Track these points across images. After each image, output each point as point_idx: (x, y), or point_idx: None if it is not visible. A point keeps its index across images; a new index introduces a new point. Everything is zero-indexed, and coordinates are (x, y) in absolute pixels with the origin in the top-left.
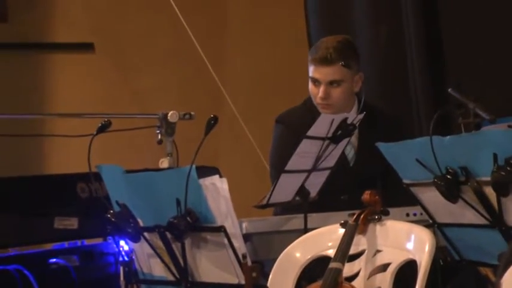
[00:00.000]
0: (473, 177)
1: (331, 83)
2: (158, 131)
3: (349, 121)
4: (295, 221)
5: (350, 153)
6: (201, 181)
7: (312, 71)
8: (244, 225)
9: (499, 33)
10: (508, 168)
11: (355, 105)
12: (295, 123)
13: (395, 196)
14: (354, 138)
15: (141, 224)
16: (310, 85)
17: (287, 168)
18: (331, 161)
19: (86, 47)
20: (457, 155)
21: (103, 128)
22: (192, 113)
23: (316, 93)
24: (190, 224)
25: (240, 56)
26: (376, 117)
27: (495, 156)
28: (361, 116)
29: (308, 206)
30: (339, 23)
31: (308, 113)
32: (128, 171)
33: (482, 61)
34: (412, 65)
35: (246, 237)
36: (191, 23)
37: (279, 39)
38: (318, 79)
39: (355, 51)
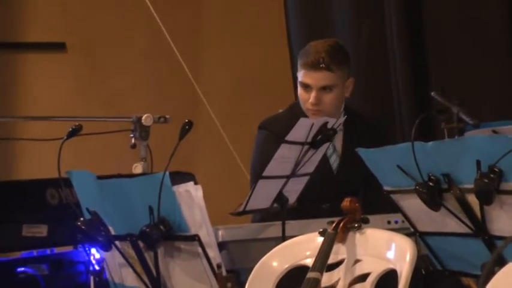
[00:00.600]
0: (455, 184)
1: (323, 88)
2: (132, 135)
3: (329, 125)
4: (273, 229)
5: (335, 162)
6: (175, 188)
7: (302, 75)
8: (220, 232)
9: (484, 34)
10: (492, 176)
11: (343, 103)
12: (280, 130)
13: (378, 203)
14: (338, 146)
15: (113, 232)
16: (300, 90)
17: (265, 173)
18: (310, 167)
19: (57, 46)
20: (439, 161)
21: (73, 133)
22: (167, 116)
23: (307, 98)
24: (163, 233)
25: (217, 57)
26: (362, 124)
27: (478, 163)
28: (341, 120)
29: (287, 213)
30: (318, 22)
31: (294, 119)
32: (100, 177)
33: (467, 63)
34: (394, 67)
35: (222, 245)
36: (167, 22)
37: (258, 40)
38: (310, 84)
39: (346, 55)
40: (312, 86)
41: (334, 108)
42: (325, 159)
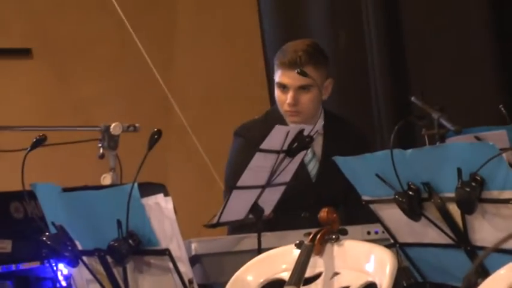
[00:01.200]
0: (436, 193)
1: (300, 88)
2: (100, 145)
3: (305, 133)
4: (248, 241)
5: (314, 168)
6: (144, 200)
7: (279, 75)
8: (193, 245)
9: (464, 39)
10: (473, 184)
11: (321, 115)
12: (256, 138)
13: (358, 213)
14: (318, 152)
15: (80, 247)
16: (277, 92)
17: (239, 184)
18: (286, 176)
19: (23, 52)
20: (419, 169)
21: (37, 143)
22: (137, 124)
23: (284, 100)
24: (132, 247)
25: (190, 62)
26: (344, 130)
27: (459, 171)
28: (318, 127)
29: (264, 225)
30: (294, 26)
31: (270, 126)
32: (66, 190)
33: (448, 68)
34: (373, 72)
35: (196, 259)
36: (137, 27)
37: (231, 44)
38: (287, 84)
39: (324, 56)
40: (289, 86)
41: (312, 109)
42: (303, 165)
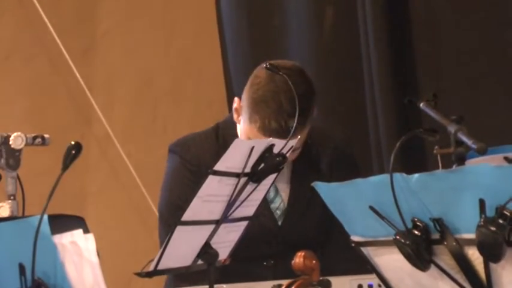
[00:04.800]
0: (451, 233)
1: None
2: None
3: (276, 149)
4: None
5: (279, 207)
6: (57, 239)
7: (258, 137)
8: None
9: (491, 35)
10: (500, 222)
11: None
12: (197, 155)
13: (343, 259)
14: (284, 184)
15: None
16: (246, 136)
17: (184, 218)
18: (249, 209)
19: None
20: (428, 201)
21: None
22: (46, 135)
23: None
24: None
25: (117, 53)
26: (323, 147)
27: (482, 203)
28: (293, 143)
29: (216, 274)
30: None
31: (217, 143)
32: None
33: (470, 62)
34: (368, 67)
35: None
36: (46, 4)
37: (174, 29)
38: None
39: (313, 95)
40: None
41: None
42: (265, 201)
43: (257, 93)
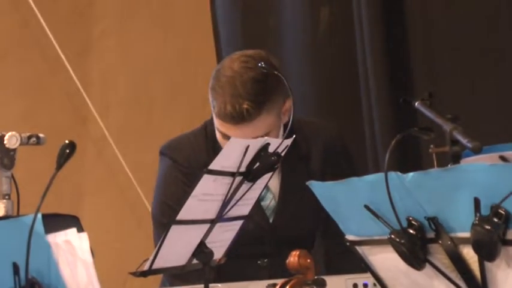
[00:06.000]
0: (446, 232)
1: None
2: None
3: (271, 148)
4: None
5: (270, 203)
6: (51, 238)
7: (219, 125)
8: None
9: (491, 26)
10: (495, 220)
11: (280, 128)
12: (188, 156)
13: (339, 258)
14: (274, 181)
15: None
16: (219, 136)
17: (179, 217)
18: (244, 208)
19: None
20: (424, 200)
21: None
22: (41, 135)
23: None
24: None
25: (113, 53)
26: (311, 144)
27: (477, 202)
28: (288, 142)
29: (211, 273)
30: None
31: (207, 141)
32: None
33: (466, 60)
34: (364, 65)
35: None
36: (42, 4)
37: (170, 29)
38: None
39: (273, 77)
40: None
41: None
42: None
43: (216, 80)
